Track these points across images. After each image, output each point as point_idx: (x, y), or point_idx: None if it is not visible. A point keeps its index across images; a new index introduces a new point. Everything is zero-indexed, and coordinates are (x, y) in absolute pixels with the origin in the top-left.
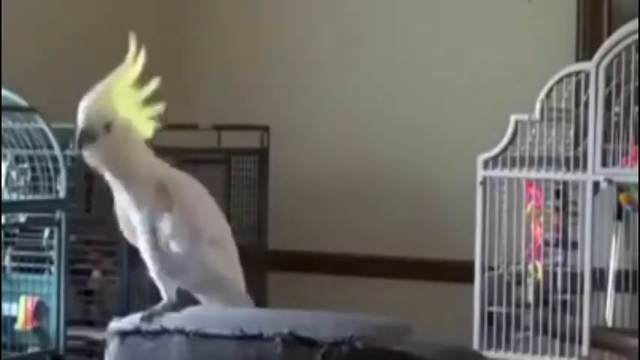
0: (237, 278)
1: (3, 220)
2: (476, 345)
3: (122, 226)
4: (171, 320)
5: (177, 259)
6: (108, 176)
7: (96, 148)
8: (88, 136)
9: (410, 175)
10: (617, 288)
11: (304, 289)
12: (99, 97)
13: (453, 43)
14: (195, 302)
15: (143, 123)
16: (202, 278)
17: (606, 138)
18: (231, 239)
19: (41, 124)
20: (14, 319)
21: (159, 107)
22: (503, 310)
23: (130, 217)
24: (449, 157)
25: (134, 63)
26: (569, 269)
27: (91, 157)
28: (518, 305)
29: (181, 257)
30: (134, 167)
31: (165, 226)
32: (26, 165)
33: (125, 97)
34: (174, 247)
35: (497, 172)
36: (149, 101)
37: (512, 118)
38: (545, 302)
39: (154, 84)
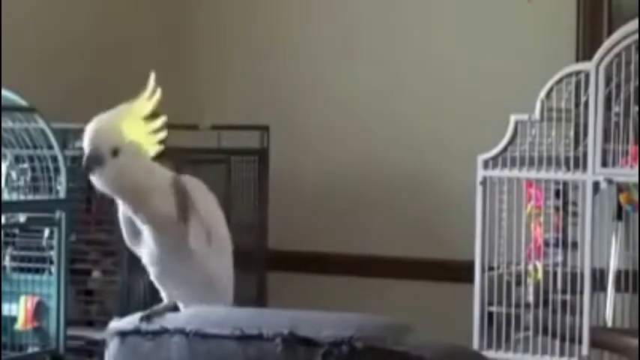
0: (230, 285)
1: (3, 220)
2: (476, 345)
3: (124, 231)
4: (171, 320)
5: (183, 266)
6: (116, 198)
7: (104, 171)
8: (96, 160)
9: (410, 175)
10: (617, 288)
11: (304, 289)
12: (107, 122)
13: (453, 43)
14: None
15: (150, 146)
16: (201, 284)
17: (606, 138)
18: (229, 244)
19: (41, 124)
20: (14, 319)
21: (165, 132)
22: (503, 310)
23: (135, 224)
24: (449, 157)
25: (149, 100)
26: (569, 269)
27: (98, 181)
28: (518, 305)
29: (188, 263)
30: (143, 190)
31: (179, 234)
32: (26, 165)
33: (134, 127)
34: (184, 253)
35: (497, 172)
36: (158, 130)
37: (512, 118)
38: (545, 302)
39: (163, 118)
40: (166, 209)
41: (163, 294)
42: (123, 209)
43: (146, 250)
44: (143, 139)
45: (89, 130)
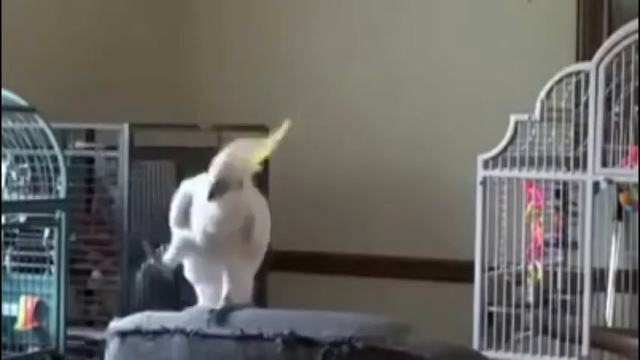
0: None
1: (3, 220)
2: (476, 345)
3: (175, 211)
4: (171, 320)
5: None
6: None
7: (225, 200)
8: (222, 190)
9: (410, 175)
10: (617, 288)
11: (304, 289)
12: (242, 156)
13: (453, 43)
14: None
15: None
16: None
17: (606, 138)
18: (263, 252)
19: (41, 124)
20: (14, 319)
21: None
22: (504, 310)
23: (190, 206)
24: (449, 157)
25: (279, 140)
26: (569, 269)
27: (219, 208)
28: (518, 305)
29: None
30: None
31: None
32: (26, 165)
33: (257, 162)
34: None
35: (497, 172)
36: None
37: (512, 118)
38: (545, 302)
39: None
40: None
41: (199, 295)
42: (185, 188)
43: (197, 225)
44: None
45: (224, 159)
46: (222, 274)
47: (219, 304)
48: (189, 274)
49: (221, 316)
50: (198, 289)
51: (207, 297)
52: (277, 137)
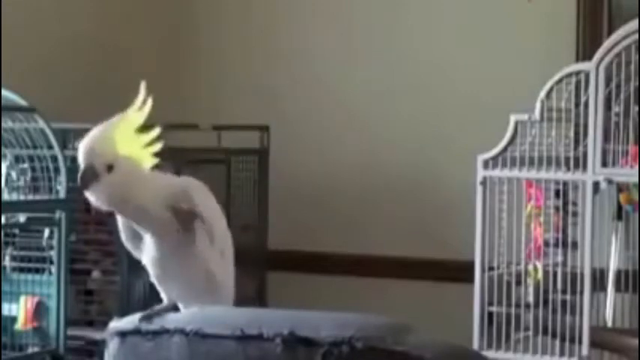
0: (230, 285)
1: (3, 220)
2: (476, 345)
3: (123, 236)
4: (171, 320)
5: (185, 267)
6: (115, 211)
7: (99, 187)
8: (91, 176)
9: (410, 175)
10: (617, 288)
11: (304, 289)
12: (100, 138)
13: (453, 43)
14: None
15: (146, 158)
16: (202, 284)
17: (606, 138)
18: (230, 245)
19: (41, 124)
20: (14, 319)
21: (159, 144)
22: (504, 310)
23: (135, 229)
24: (449, 157)
25: (141, 109)
26: (569, 269)
27: (94, 197)
28: (518, 305)
29: (190, 265)
30: (140, 204)
31: (180, 239)
32: (26, 165)
33: (127, 140)
34: (186, 256)
35: (497, 172)
36: (153, 142)
37: (512, 118)
38: (545, 302)
39: (156, 130)
40: (167, 220)
41: (163, 295)
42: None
43: (147, 253)
44: (137, 152)
45: (82, 146)
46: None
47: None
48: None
49: (149, 317)
50: None
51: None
52: (135, 109)
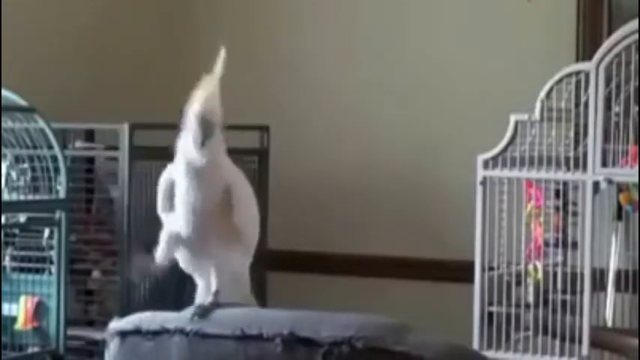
0: (247, 278)
1: (3, 220)
2: (476, 345)
3: (161, 196)
4: (171, 320)
5: (218, 221)
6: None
7: (211, 143)
8: (211, 132)
9: (410, 175)
10: (617, 288)
11: (304, 289)
12: (215, 100)
13: (453, 43)
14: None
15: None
16: (232, 237)
17: (606, 138)
18: (254, 245)
19: (41, 124)
20: (14, 319)
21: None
22: (504, 310)
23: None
24: (449, 157)
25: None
26: (569, 269)
27: (204, 152)
28: (518, 305)
29: (225, 221)
30: (223, 162)
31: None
32: (26, 165)
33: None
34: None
35: (497, 172)
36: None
37: (512, 118)
38: (545, 302)
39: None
40: (223, 185)
41: (193, 271)
42: (167, 173)
43: (185, 206)
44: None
45: (202, 104)
46: (210, 267)
47: (207, 300)
48: (183, 265)
49: (203, 313)
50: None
51: (198, 292)
52: (218, 75)
